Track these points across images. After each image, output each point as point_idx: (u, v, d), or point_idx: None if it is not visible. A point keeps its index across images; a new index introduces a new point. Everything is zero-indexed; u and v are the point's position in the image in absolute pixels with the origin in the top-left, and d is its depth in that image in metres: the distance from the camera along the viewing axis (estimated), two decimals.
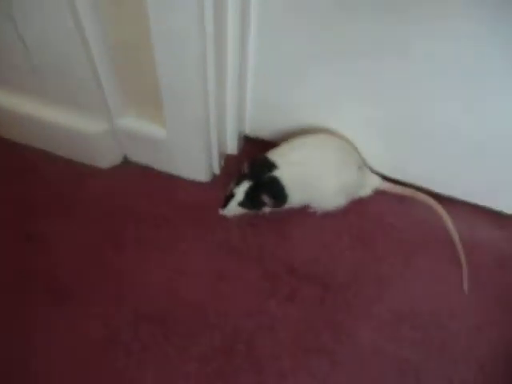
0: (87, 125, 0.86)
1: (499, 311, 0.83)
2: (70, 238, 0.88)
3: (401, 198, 0.94)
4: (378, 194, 0.93)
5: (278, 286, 0.84)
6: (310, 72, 0.84)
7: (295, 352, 0.79)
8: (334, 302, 0.83)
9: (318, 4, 0.73)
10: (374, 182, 0.92)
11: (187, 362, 0.77)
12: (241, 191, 0.81)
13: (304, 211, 0.91)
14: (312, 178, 0.83)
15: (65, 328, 0.79)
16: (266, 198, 0.81)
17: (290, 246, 0.88)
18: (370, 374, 0.77)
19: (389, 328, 0.81)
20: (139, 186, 0.94)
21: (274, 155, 0.84)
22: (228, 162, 0.98)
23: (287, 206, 0.86)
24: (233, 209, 0.83)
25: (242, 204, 0.82)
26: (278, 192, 0.82)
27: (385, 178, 0.94)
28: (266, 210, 0.88)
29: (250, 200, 0.82)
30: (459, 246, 0.87)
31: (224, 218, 0.89)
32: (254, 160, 0.84)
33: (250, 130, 1.00)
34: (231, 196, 0.82)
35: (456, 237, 0.88)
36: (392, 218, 0.92)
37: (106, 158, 0.94)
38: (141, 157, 0.94)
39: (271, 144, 0.89)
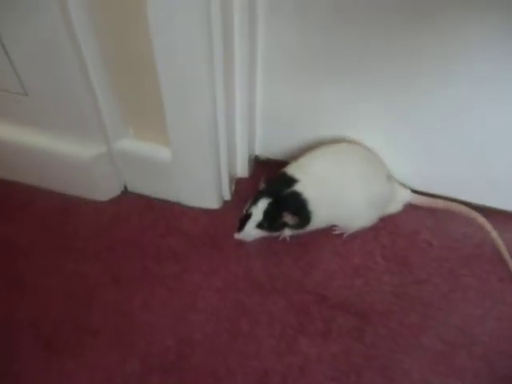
0: (81, 149, 0.77)
1: None
2: (65, 279, 0.77)
3: (433, 212, 0.84)
4: (408, 209, 0.84)
5: (309, 320, 0.72)
6: (323, 85, 0.77)
7: None
8: (375, 335, 0.71)
9: (331, 18, 0.68)
10: (405, 196, 0.82)
11: None
12: (259, 210, 0.71)
13: (329, 233, 0.81)
14: (337, 190, 0.73)
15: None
16: (287, 216, 0.71)
17: (317, 274, 0.77)
18: None
19: (444, 359, 0.68)
20: (142, 218, 0.84)
21: (292, 169, 0.75)
22: (239, 186, 0.89)
23: (311, 226, 0.75)
24: (250, 232, 0.72)
25: (260, 225, 0.72)
26: (300, 208, 0.72)
27: (413, 191, 0.85)
28: (288, 233, 0.78)
29: (270, 220, 0.71)
30: (509, 260, 0.77)
31: (240, 245, 0.79)
32: (271, 177, 0.75)
33: (261, 150, 0.91)
34: (248, 217, 0.72)
35: (504, 249, 0.77)
36: (428, 235, 0.82)
37: (104, 189, 0.85)
38: (142, 186, 0.85)
39: (285, 164, 0.80)
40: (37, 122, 0.76)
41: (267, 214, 0.71)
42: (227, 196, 0.85)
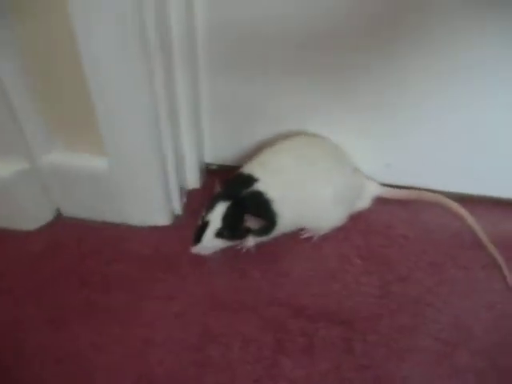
0: None
1: None
2: None
3: (405, 205, 0.78)
4: (377, 204, 0.77)
5: (288, 337, 0.62)
6: (277, 76, 0.71)
7: None
8: (365, 343, 0.62)
9: None
10: (373, 190, 0.76)
11: None
12: (217, 216, 0.62)
13: (297, 238, 0.73)
14: (301, 187, 0.66)
15: None
16: (250, 220, 0.62)
17: (290, 284, 0.68)
18: None
19: (444, 360, 0.60)
20: (80, 245, 0.71)
21: (249, 168, 0.67)
22: (191, 198, 0.79)
23: (277, 231, 0.67)
24: (209, 243, 0.62)
25: (220, 234, 0.62)
26: (264, 209, 0.63)
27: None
28: (251, 242, 0.69)
29: (231, 226, 0.62)
30: (490, 246, 0.71)
31: (198, 263, 0.68)
32: (226, 179, 0.67)
33: (212, 157, 0.83)
34: (205, 226, 0.62)
35: (483, 235, 0.72)
36: (403, 229, 0.75)
37: (32, 215, 0.72)
38: (79, 207, 0.73)
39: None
40: None
41: (227, 219, 0.62)
42: (178, 210, 0.75)
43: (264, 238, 0.68)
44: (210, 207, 0.63)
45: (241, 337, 0.62)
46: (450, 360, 0.61)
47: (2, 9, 0.54)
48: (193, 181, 0.79)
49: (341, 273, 0.69)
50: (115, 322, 0.63)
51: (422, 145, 0.75)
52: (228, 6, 0.64)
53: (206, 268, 0.69)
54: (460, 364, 0.60)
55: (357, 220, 0.75)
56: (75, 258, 0.70)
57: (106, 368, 0.59)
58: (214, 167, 0.84)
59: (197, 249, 0.63)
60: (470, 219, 0.74)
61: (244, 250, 0.70)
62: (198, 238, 0.62)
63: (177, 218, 0.75)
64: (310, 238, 0.73)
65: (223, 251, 0.68)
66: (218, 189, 0.64)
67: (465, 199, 0.77)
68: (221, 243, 0.63)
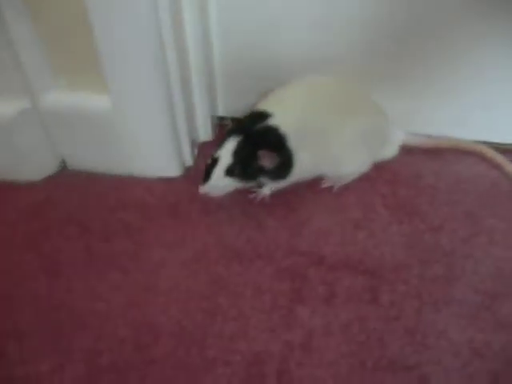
0: None
1: None
2: None
3: (435, 154, 0.71)
4: (404, 153, 0.70)
5: (307, 286, 0.55)
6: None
7: (357, 380, 0.49)
8: (393, 293, 0.55)
9: None
10: (399, 137, 0.69)
11: None
12: (227, 152, 0.56)
13: (316, 188, 0.66)
14: (320, 126, 0.59)
15: None
16: (264, 157, 0.56)
17: (309, 233, 0.61)
18: None
19: (486, 312, 0.53)
20: (84, 195, 0.66)
21: (263, 105, 0.61)
22: (203, 150, 0.73)
23: (293, 176, 0.61)
24: (219, 182, 0.57)
25: (230, 171, 0.56)
26: (279, 145, 0.57)
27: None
28: (266, 190, 0.63)
29: (243, 162, 0.56)
30: None
31: (208, 211, 0.63)
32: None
33: (225, 110, 0.77)
34: (215, 163, 0.57)
35: None
36: (432, 179, 0.68)
37: (35, 164, 0.67)
38: (82, 156, 0.68)
39: None
40: None
41: (238, 154, 0.56)
42: (189, 161, 0.70)
43: (280, 184, 0.62)
44: (221, 143, 0.57)
45: (254, 285, 0.56)
46: (492, 312, 0.53)
47: None
48: (205, 132, 0.74)
49: (366, 221, 0.63)
50: (115, 270, 0.58)
51: (450, 92, 0.68)
52: None
53: (216, 217, 0.63)
54: (503, 316, 0.53)
55: (382, 170, 0.68)
56: (77, 206, 0.65)
57: (103, 316, 0.53)
58: (228, 122, 0.78)
59: (206, 188, 0.57)
60: (510, 167, 0.67)
61: (257, 200, 0.64)
62: (207, 176, 0.57)
63: (187, 169, 0.70)
64: (330, 188, 0.67)
65: (235, 200, 0.62)
66: (229, 125, 0.59)
67: (499, 149, 0.70)
68: (232, 183, 0.57)
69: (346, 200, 0.65)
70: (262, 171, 0.58)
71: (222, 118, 0.77)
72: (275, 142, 0.57)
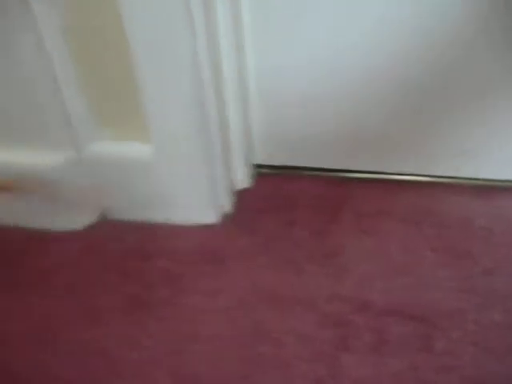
0: (44, 157, 0.64)
1: None
2: (28, 319, 0.59)
3: (481, 194, 0.68)
4: (452, 193, 0.68)
5: (353, 334, 0.52)
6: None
7: None
8: (447, 341, 0.51)
9: None
10: None
11: None
12: None
13: (354, 233, 0.64)
14: None
15: None
16: None
17: (352, 279, 0.58)
18: None
19: None
20: (123, 242, 0.67)
21: None
22: (241, 198, 0.73)
23: None
24: None
25: None
26: None
27: None
28: None
29: None
30: None
31: (247, 256, 0.62)
32: None
33: (262, 156, 0.78)
34: None
35: None
36: (483, 221, 0.65)
37: (77, 212, 0.69)
38: (123, 206, 0.69)
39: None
40: None
41: None
42: (228, 208, 0.70)
43: None
44: None
45: (295, 332, 0.53)
46: None
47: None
48: (243, 180, 0.74)
49: (411, 266, 0.60)
50: (153, 318, 0.57)
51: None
52: None
53: (255, 262, 0.62)
54: None
55: (424, 212, 0.66)
56: (116, 255, 0.65)
57: (139, 365, 0.52)
58: (265, 170, 0.79)
59: None
60: None
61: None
62: None
63: (225, 216, 0.70)
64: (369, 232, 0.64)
65: (274, 244, 0.61)
66: None
67: None
68: None
69: (386, 244, 0.63)
70: None
71: (260, 166, 0.78)
72: None
